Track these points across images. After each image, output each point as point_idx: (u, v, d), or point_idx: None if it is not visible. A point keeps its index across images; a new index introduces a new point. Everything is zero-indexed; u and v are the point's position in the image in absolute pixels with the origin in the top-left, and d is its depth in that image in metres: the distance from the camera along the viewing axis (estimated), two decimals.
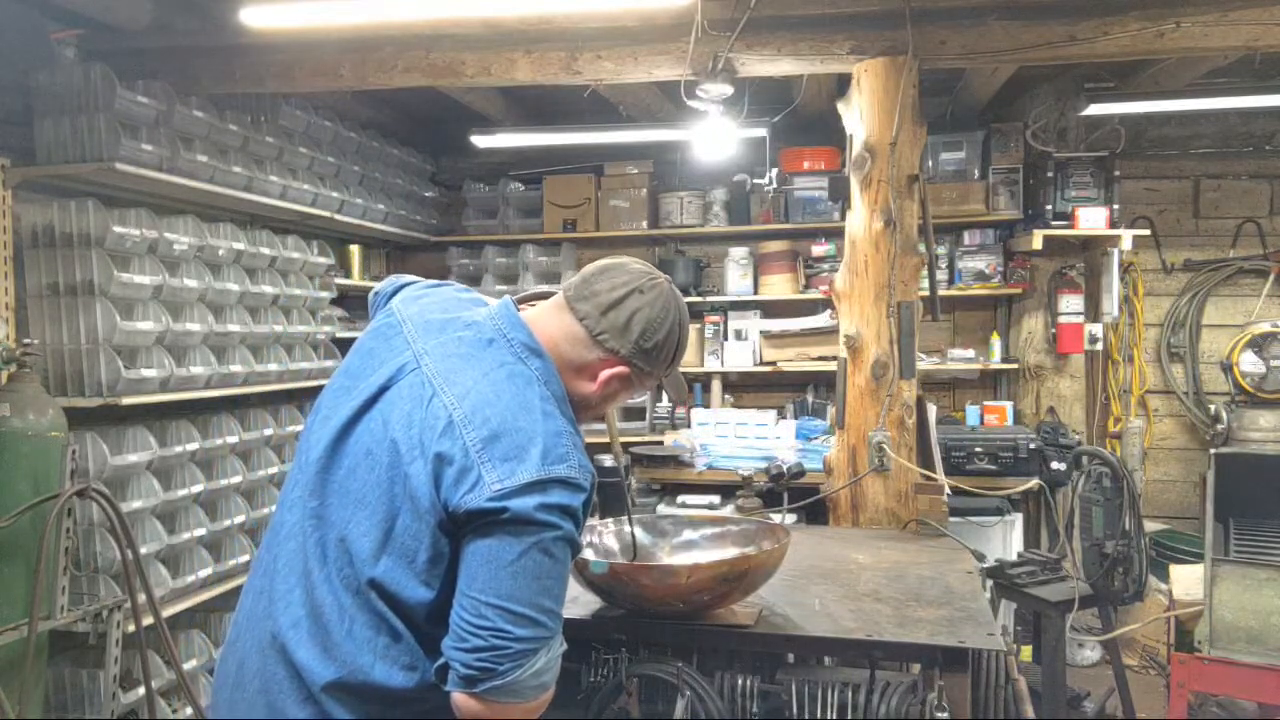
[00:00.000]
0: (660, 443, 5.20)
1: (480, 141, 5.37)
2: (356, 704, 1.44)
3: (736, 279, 5.72)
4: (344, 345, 4.30)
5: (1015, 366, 5.45)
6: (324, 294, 4.70)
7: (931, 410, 3.68)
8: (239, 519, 4.01)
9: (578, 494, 1.45)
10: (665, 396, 5.74)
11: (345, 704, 1.44)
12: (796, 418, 5.36)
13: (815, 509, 3.76)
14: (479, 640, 1.36)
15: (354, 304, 5.37)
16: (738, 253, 5.74)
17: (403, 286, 1.76)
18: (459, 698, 1.39)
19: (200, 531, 3.78)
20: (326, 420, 1.56)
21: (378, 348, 1.59)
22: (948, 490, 3.36)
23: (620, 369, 1.61)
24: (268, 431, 4.27)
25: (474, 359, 1.53)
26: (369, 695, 1.44)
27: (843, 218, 3.63)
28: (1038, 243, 4.98)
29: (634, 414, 5.78)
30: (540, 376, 1.54)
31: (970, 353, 5.54)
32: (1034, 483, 4.12)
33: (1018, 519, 4.73)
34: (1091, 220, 4.96)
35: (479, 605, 1.37)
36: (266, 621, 1.49)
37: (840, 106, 3.62)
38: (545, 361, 1.56)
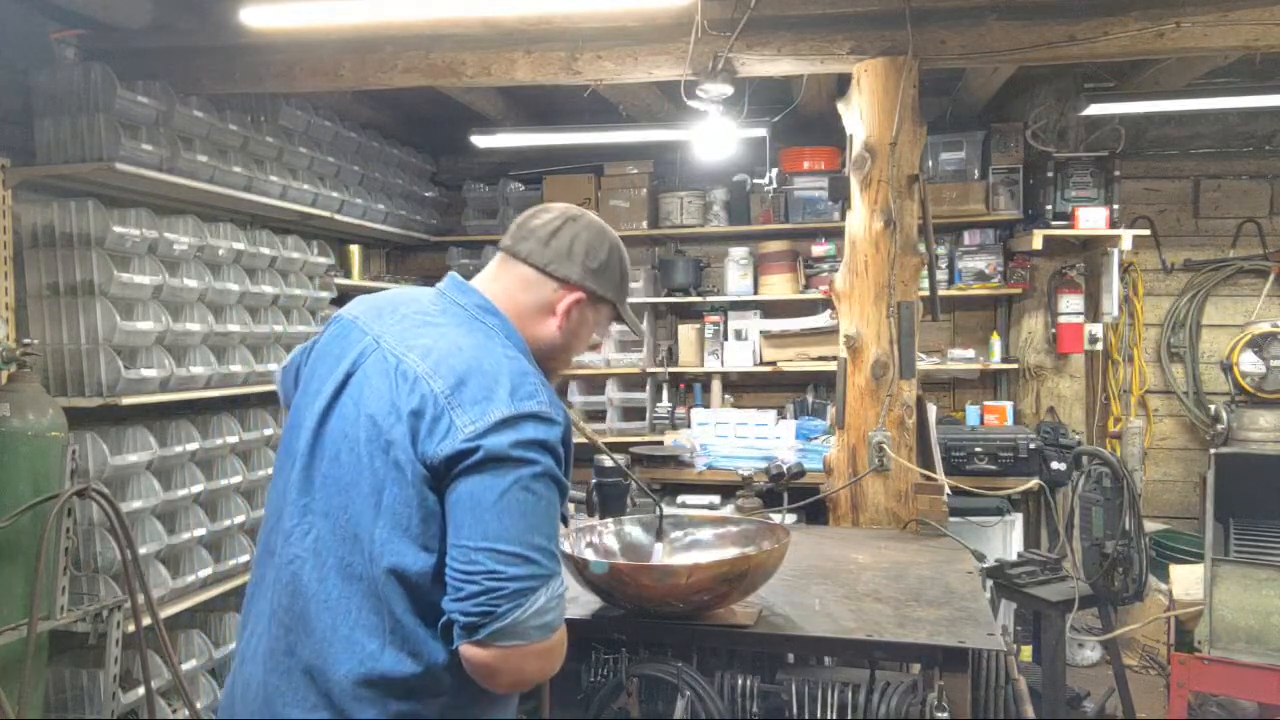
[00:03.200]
0: (660, 443, 5.20)
1: (480, 141, 5.37)
2: (373, 700, 1.43)
3: (736, 279, 5.72)
4: None
5: (1015, 366, 5.45)
6: (324, 294, 4.70)
7: (931, 410, 3.68)
8: (239, 519, 4.01)
9: (552, 427, 1.45)
10: (665, 397, 5.75)
11: (364, 701, 1.43)
12: (796, 418, 5.36)
13: (815, 509, 3.76)
14: (474, 586, 1.36)
15: None
16: (738, 253, 5.74)
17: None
18: (467, 651, 1.38)
19: (200, 531, 3.78)
20: (299, 427, 1.57)
21: (334, 348, 1.61)
22: (948, 490, 3.36)
23: (576, 295, 1.64)
24: (268, 431, 4.27)
25: (430, 325, 1.57)
26: (383, 688, 1.43)
27: (843, 218, 3.64)
28: (1038, 243, 4.98)
29: (634, 414, 5.78)
30: (499, 330, 1.58)
31: (970, 353, 5.54)
32: (1034, 483, 4.12)
33: (1018, 519, 4.73)
34: (1091, 220, 4.96)
35: (468, 552, 1.37)
36: (273, 640, 1.50)
37: (840, 106, 3.62)
38: (501, 318, 1.60)
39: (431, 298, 1.65)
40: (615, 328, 5.72)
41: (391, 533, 1.43)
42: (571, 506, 1.69)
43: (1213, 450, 3.52)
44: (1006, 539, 4.57)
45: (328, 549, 1.47)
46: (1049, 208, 5.05)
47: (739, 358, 5.62)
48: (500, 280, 1.66)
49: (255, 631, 1.53)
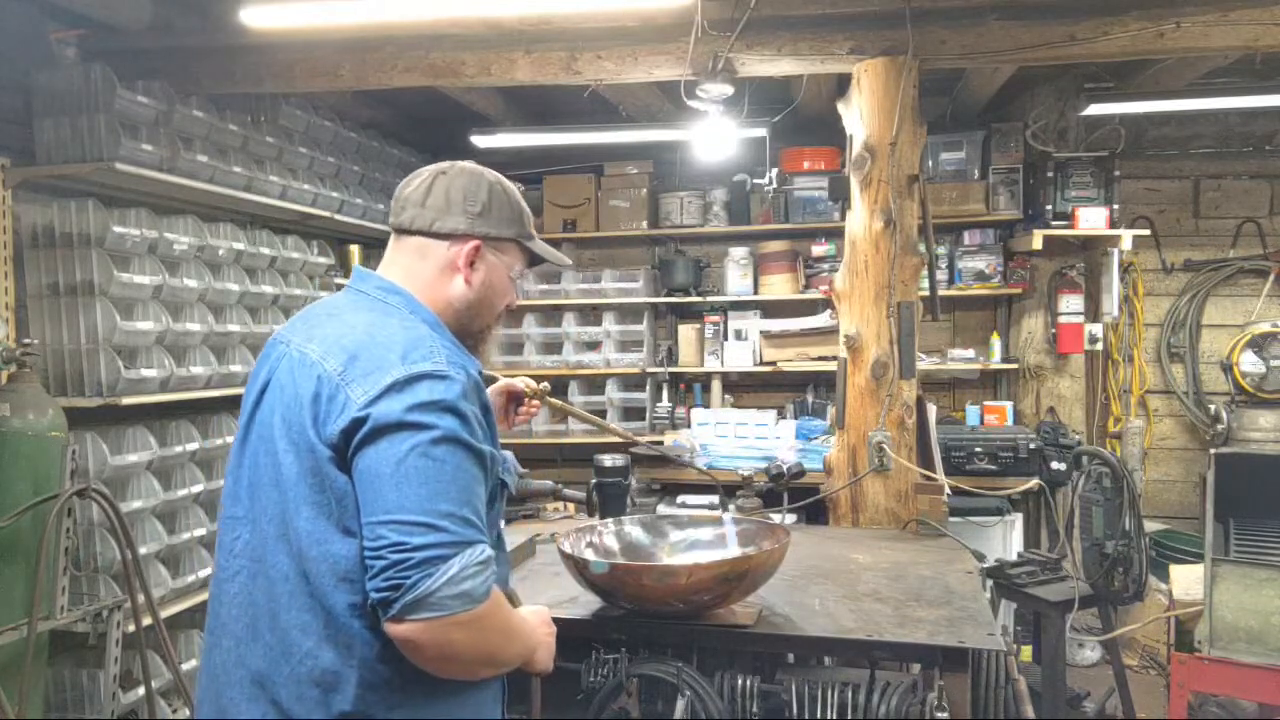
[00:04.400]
0: (660, 443, 5.20)
1: (480, 141, 5.37)
2: (318, 700, 1.40)
3: (736, 279, 5.72)
4: None
5: (1015, 366, 5.45)
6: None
7: (931, 410, 3.68)
8: None
9: (450, 384, 1.41)
10: (665, 397, 5.75)
11: (308, 702, 1.40)
12: (796, 418, 5.36)
13: (815, 509, 3.76)
14: (381, 561, 1.31)
15: None
16: (738, 253, 5.74)
17: None
18: (388, 629, 1.34)
19: (200, 531, 3.78)
20: (235, 450, 1.57)
21: (259, 367, 1.60)
22: (948, 490, 3.36)
23: (470, 244, 1.61)
24: None
25: (333, 316, 1.56)
26: (325, 687, 1.40)
27: (843, 218, 3.64)
28: (1038, 243, 4.98)
29: (634, 414, 5.79)
30: (404, 306, 1.56)
31: (970, 353, 5.54)
32: (1034, 483, 4.12)
33: (1018, 519, 4.73)
34: (1091, 220, 4.96)
35: (374, 528, 1.33)
36: (224, 653, 1.49)
37: (840, 106, 3.62)
38: (403, 294, 1.58)
39: (340, 294, 1.66)
40: (617, 329, 5.72)
41: (314, 522, 1.40)
42: (516, 478, 1.66)
43: (1213, 450, 3.51)
44: (1006, 539, 4.57)
45: (260, 554, 1.46)
46: (1049, 208, 5.05)
47: (739, 358, 5.62)
48: (397, 258, 1.64)
49: (211, 648, 1.53)
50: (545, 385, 2.21)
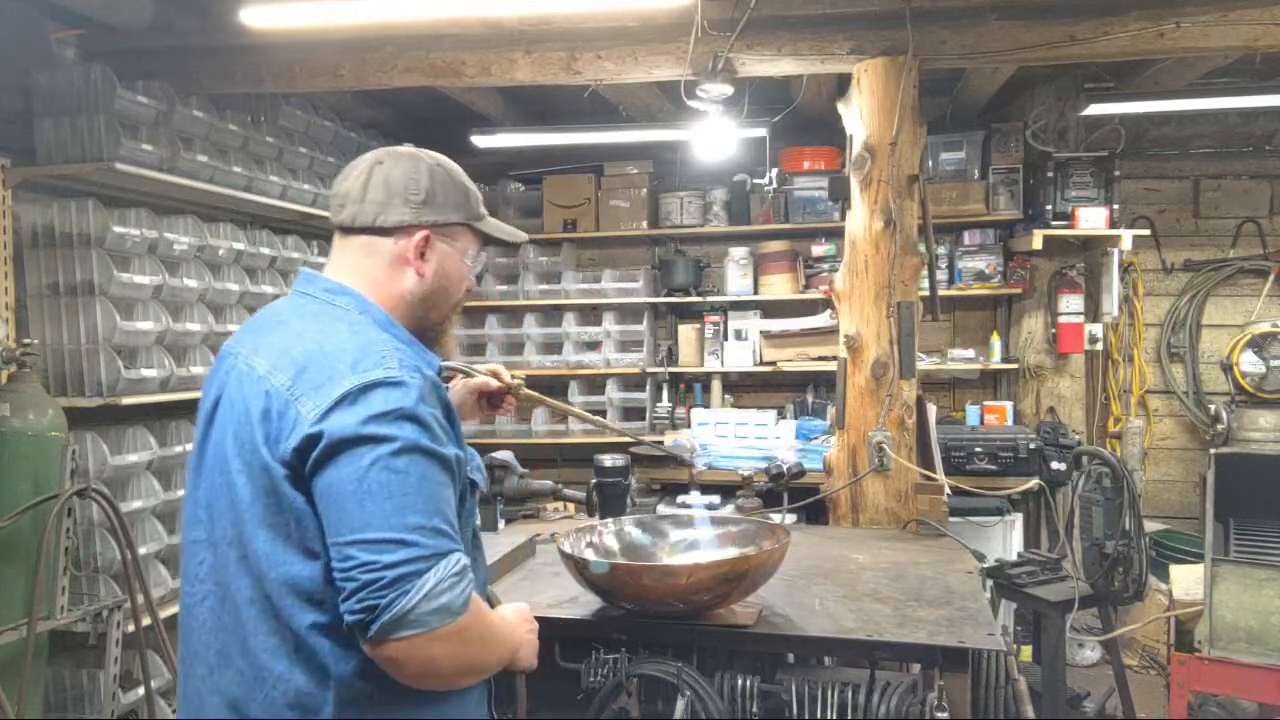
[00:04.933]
0: (660, 443, 5.20)
1: (480, 141, 5.37)
2: None
3: (736, 279, 5.72)
4: None
5: (1015, 366, 5.45)
6: None
7: (931, 410, 3.68)
8: None
9: (406, 390, 1.35)
10: (665, 397, 5.75)
11: None
12: (796, 418, 5.36)
13: (815, 509, 3.76)
14: (353, 583, 1.27)
15: None
16: (738, 253, 5.74)
17: None
18: (372, 652, 1.30)
19: None
20: (191, 471, 1.53)
21: (210, 382, 1.55)
22: (948, 490, 3.36)
23: (418, 235, 1.53)
24: None
25: (279, 324, 1.50)
26: (303, 709, 1.36)
27: (843, 218, 3.64)
28: (1038, 243, 4.98)
29: (634, 414, 5.79)
30: (354, 307, 1.49)
31: (970, 353, 5.54)
32: (1034, 483, 4.12)
33: (1018, 519, 4.73)
34: (1091, 220, 4.96)
35: (341, 549, 1.28)
36: (199, 680, 1.45)
37: (840, 106, 3.62)
38: (353, 295, 1.51)
39: (286, 299, 1.58)
40: (617, 329, 5.72)
41: (273, 544, 1.36)
42: (480, 479, 1.58)
43: (1213, 450, 3.52)
44: (1006, 539, 4.57)
45: (223, 578, 1.41)
46: (1049, 208, 5.05)
47: (739, 358, 5.62)
48: (343, 257, 1.56)
49: (185, 676, 1.49)
50: (520, 380, 2.13)
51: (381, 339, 1.43)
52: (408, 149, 1.59)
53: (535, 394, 2.18)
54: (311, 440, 1.31)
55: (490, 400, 2.11)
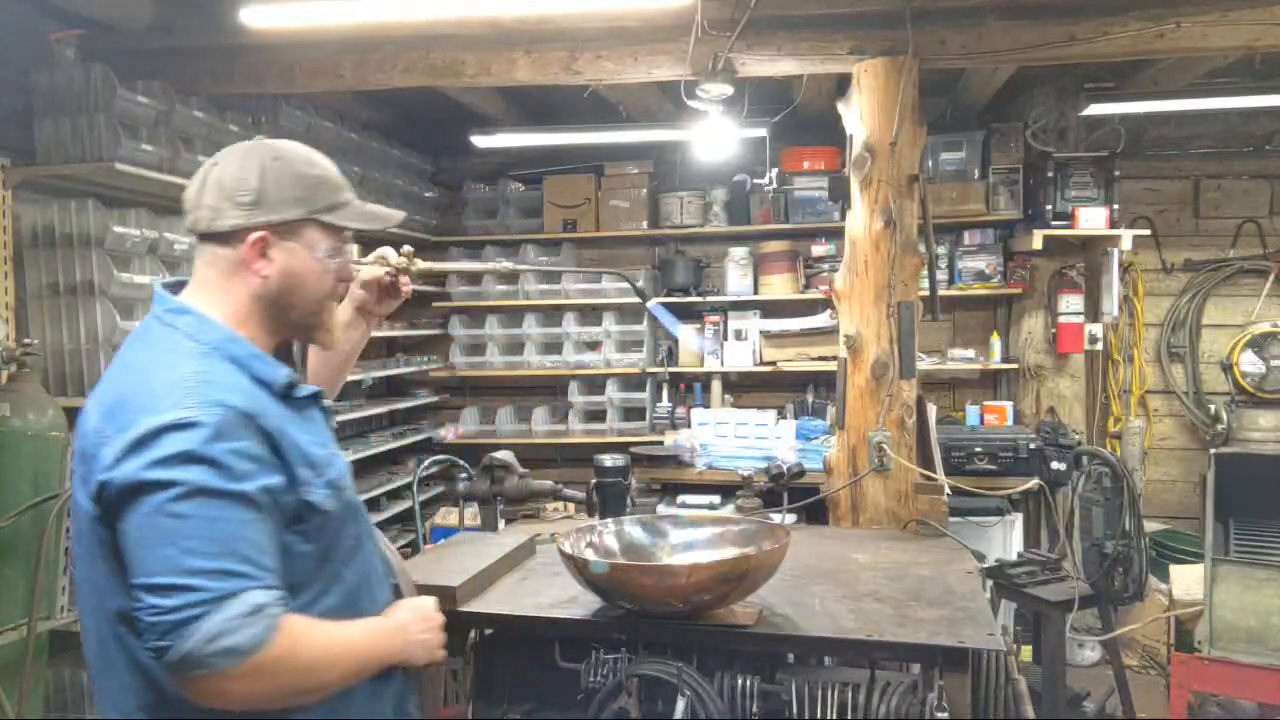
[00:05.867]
0: (660, 443, 5.20)
1: (480, 141, 5.37)
2: None
3: (736, 279, 5.72)
4: None
5: (1015, 366, 5.45)
6: None
7: (931, 410, 3.68)
8: None
9: (194, 431, 1.32)
10: (665, 397, 5.75)
11: None
12: (796, 418, 5.35)
13: (815, 509, 3.76)
14: (142, 624, 1.28)
15: None
16: (738, 253, 5.74)
17: None
18: (179, 687, 1.32)
19: None
20: None
21: None
22: (948, 490, 3.36)
23: (253, 237, 1.47)
24: None
25: (121, 355, 1.50)
26: None
27: (843, 218, 3.63)
28: (1038, 243, 4.98)
29: (634, 414, 5.79)
30: (189, 328, 1.46)
31: (970, 353, 5.54)
32: (1034, 483, 4.12)
33: (1018, 519, 4.73)
34: (1091, 220, 4.96)
35: (135, 591, 1.30)
36: (104, 703, 1.48)
37: (840, 106, 3.62)
38: (192, 314, 1.47)
39: (142, 321, 1.55)
40: (617, 329, 5.71)
41: (106, 576, 1.38)
42: (322, 497, 1.48)
43: (1213, 450, 3.52)
44: (1006, 539, 4.57)
45: (89, 618, 1.45)
46: (1049, 208, 5.05)
47: (739, 358, 5.62)
48: (197, 267, 1.52)
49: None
50: (407, 249, 1.91)
51: (192, 371, 1.39)
52: (245, 144, 1.54)
53: (429, 264, 1.93)
54: (104, 487, 1.33)
55: (388, 290, 1.92)
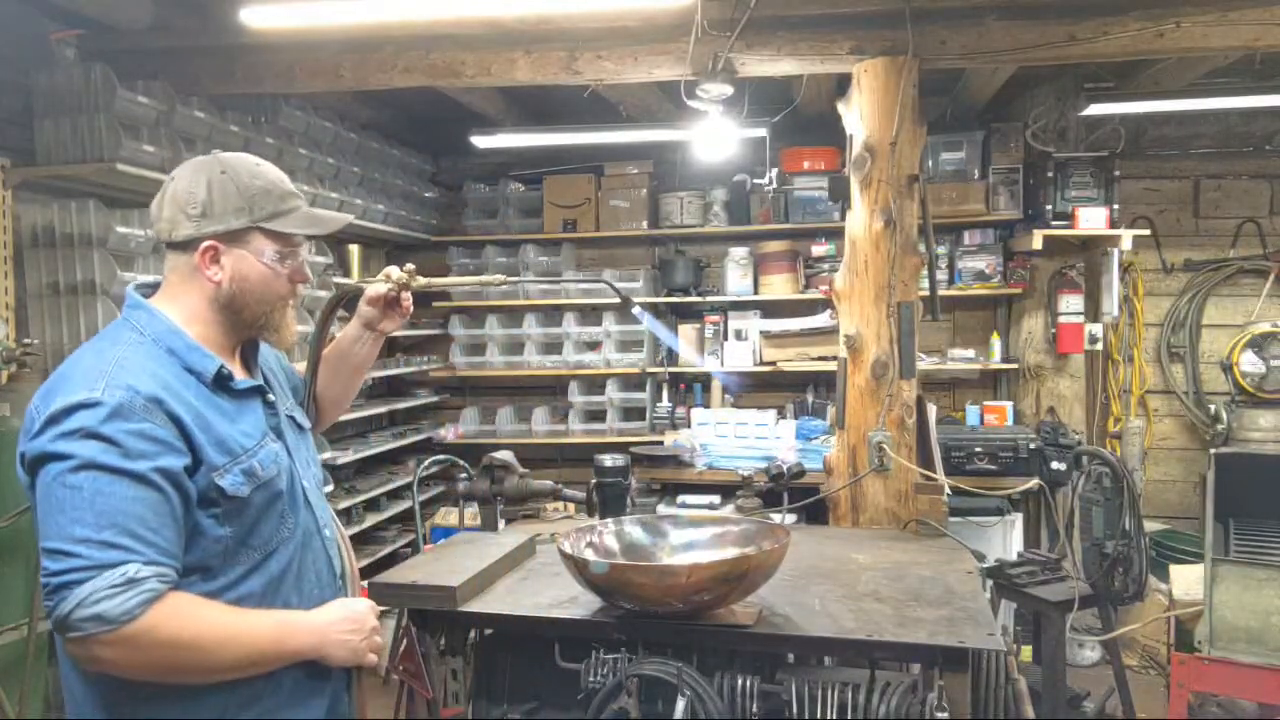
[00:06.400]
0: (660, 443, 5.20)
1: (480, 141, 5.37)
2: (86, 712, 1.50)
3: (736, 279, 5.72)
4: None
5: (1015, 366, 5.45)
6: (322, 294, 4.70)
7: (931, 410, 3.68)
8: None
9: (96, 410, 1.41)
10: (665, 397, 5.75)
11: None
12: (796, 418, 5.36)
13: (815, 509, 3.76)
14: (41, 586, 1.39)
15: (353, 304, 5.36)
16: (738, 253, 5.74)
17: None
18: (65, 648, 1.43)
19: None
20: None
21: None
22: (948, 490, 3.36)
23: (204, 245, 1.59)
24: None
25: (74, 353, 1.61)
26: (81, 699, 1.49)
27: (843, 218, 3.64)
28: (1038, 243, 4.98)
29: (634, 414, 5.79)
30: (139, 321, 1.58)
31: (970, 353, 5.54)
32: (1034, 483, 4.12)
33: (1018, 519, 4.73)
34: (1091, 220, 4.96)
35: (40, 554, 1.41)
36: None
37: (840, 106, 3.62)
38: (145, 310, 1.60)
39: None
40: (617, 329, 5.71)
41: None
42: (230, 483, 1.53)
43: (1213, 450, 3.52)
44: (1006, 539, 4.57)
45: None
46: (1049, 208, 5.05)
47: (739, 358, 5.62)
48: (165, 272, 1.67)
49: None
50: (409, 266, 2.02)
51: (113, 357, 1.49)
52: (198, 159, 1.65)
53: (429, 281, 2.03)
54: (22, 457, 1.46)
55: (393, 304, 2.03)
